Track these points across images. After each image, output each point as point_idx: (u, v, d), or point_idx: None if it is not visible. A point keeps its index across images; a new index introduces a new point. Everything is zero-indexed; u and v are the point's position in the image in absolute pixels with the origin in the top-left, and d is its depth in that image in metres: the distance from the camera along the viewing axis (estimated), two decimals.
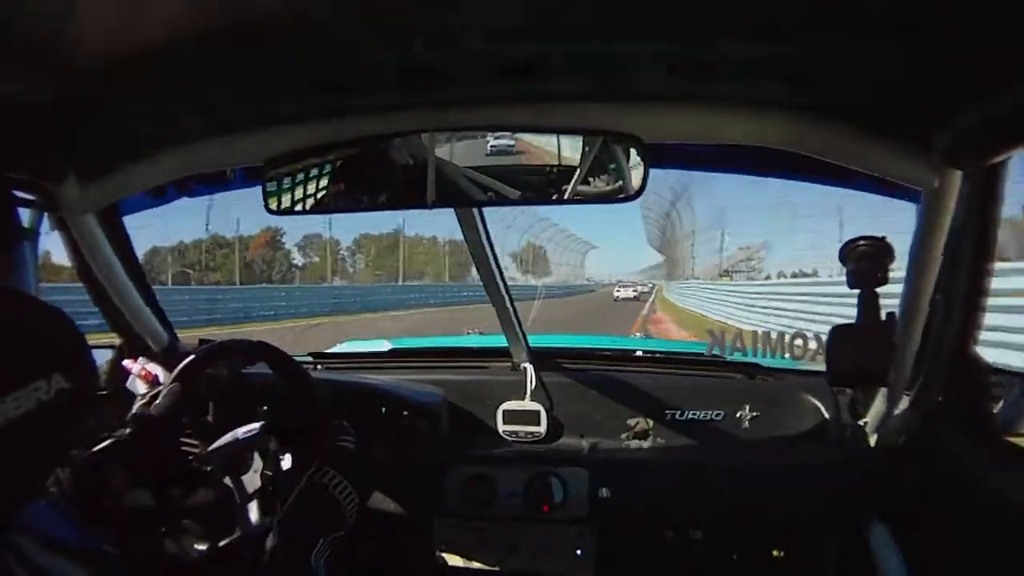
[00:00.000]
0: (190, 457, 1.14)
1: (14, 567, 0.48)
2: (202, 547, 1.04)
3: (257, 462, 1.08)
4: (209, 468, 1.09)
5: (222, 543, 1.04)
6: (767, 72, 0.80)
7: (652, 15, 0.68)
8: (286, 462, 1.11)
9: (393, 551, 1.48)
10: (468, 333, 2.23)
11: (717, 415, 1.41)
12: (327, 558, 0.91)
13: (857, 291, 1.05)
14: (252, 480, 1.08)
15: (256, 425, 1.12)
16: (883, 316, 1.04)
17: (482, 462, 1.35)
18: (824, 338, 1.10)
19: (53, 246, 1.25)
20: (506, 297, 1.42)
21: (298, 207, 0.99)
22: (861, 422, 1.30)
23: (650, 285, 39.52)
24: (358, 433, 1.12)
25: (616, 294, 31.21)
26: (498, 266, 1.37)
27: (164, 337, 1.46)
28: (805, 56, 0.75)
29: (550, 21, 0.70)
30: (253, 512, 1.07)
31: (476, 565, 1.38)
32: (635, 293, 31.72)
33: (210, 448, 1.10)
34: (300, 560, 0.88)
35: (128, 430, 1.03)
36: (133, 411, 1.10)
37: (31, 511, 0.54)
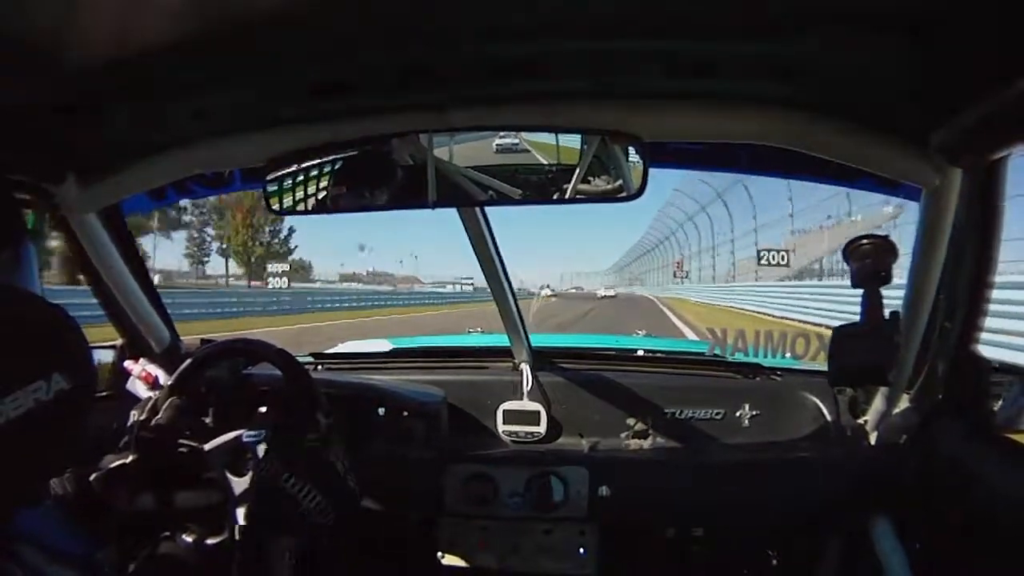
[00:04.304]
0: (190, 457, 1.13)
1: (17, 575, 0.48)
2: (199, 547, 1.04)
3: None
4: (208, 471, 1.09)
5: (215, 542, 1.04)
6: (767, 70, 0.80)
7: (652, 14, 0.68)
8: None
9: (395, 551, 1.48)
10: (470, 332, 2.23)
11: (717, 414, 1.42)
12: (294, 557, 0.91)
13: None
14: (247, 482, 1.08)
15: (260, 432, 1.11)
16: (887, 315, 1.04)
17: (482, 462, 1.35)
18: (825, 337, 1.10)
19: None
20: (510, 297, 1.42)
21: (299, 207, 0.99)
22: (861, 420, 1.30)
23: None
24: (356, 433, 1.11)
25: (600, 293, 39.96)
26: (502, 265, 1.37)
27: (166, 337, 1.46)
28: (805, 54, 0.75)
29: (549, 20, 0.70)
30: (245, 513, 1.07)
31: (478, 564, 1.38)
32: (614, 293, 41.68)
33: (208, 446, 1.10)
34: (260, 561, 0.88)
35: (132, 456, 1.04)
36: (135, 429, 1.09)
37: (32, 520, 0.54)
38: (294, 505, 0.99)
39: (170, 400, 1.13)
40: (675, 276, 37.85)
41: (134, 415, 1.13)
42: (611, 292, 41.73)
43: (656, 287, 46.87)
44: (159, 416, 1.10)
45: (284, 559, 0.90)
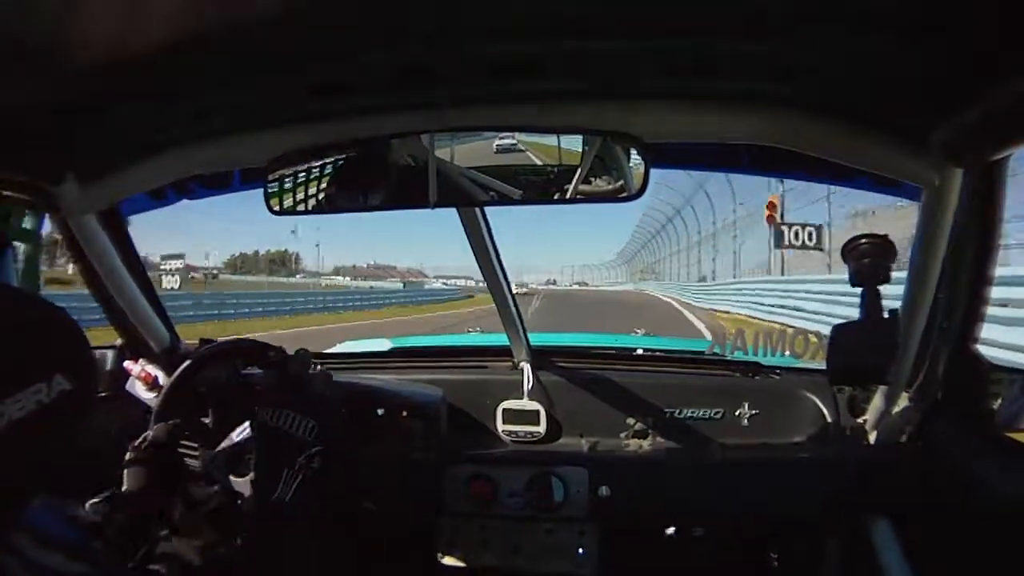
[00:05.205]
0: (190, 459, 1.13)
1: (11, 564, 0.48)
2: (198, 548, 1.04)
3: None
4: (209, 472, 1.09)
5: (215, 543, 1.04)
6: (767, 70, 0.80)
7: (651, 14, 0.68)
8: None
9: (395, 551, 1.48)
10: (469, 332, 2.24)
11: (716, 413, 1.42)
12: (299, 484, 0.91)
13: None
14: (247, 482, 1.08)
15: (248, 425, 1.11)
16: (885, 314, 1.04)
17: (482, 462, 1.35)
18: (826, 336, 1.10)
19: None
20: (509, 296, 1.42)
21: (300, 207, 0.99)
22: (860, 419, 1.31)
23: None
24: (356, 433, 1.11)
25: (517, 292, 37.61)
26: (501, 265, 1.37)
27: (166, 337, 1.45)
28: (805, 54, 0.75)
29: (548, 20, 0.70)
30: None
31: (478, 564, 1.38)
32: (525, 291, 39.56)
33: (211, 455, 1.10)
34: (267, 494, 0.88)
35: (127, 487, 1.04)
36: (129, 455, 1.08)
37: (27, 510, 0.54)
38: (279, 432, 0.99)
39: (165, 424, 1.13)
40: (778, 245, 14.27)
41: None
42: (523, 290, 36.57)
43: (676, 288, 25.83)
44: (152, 436, 1.10)
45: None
